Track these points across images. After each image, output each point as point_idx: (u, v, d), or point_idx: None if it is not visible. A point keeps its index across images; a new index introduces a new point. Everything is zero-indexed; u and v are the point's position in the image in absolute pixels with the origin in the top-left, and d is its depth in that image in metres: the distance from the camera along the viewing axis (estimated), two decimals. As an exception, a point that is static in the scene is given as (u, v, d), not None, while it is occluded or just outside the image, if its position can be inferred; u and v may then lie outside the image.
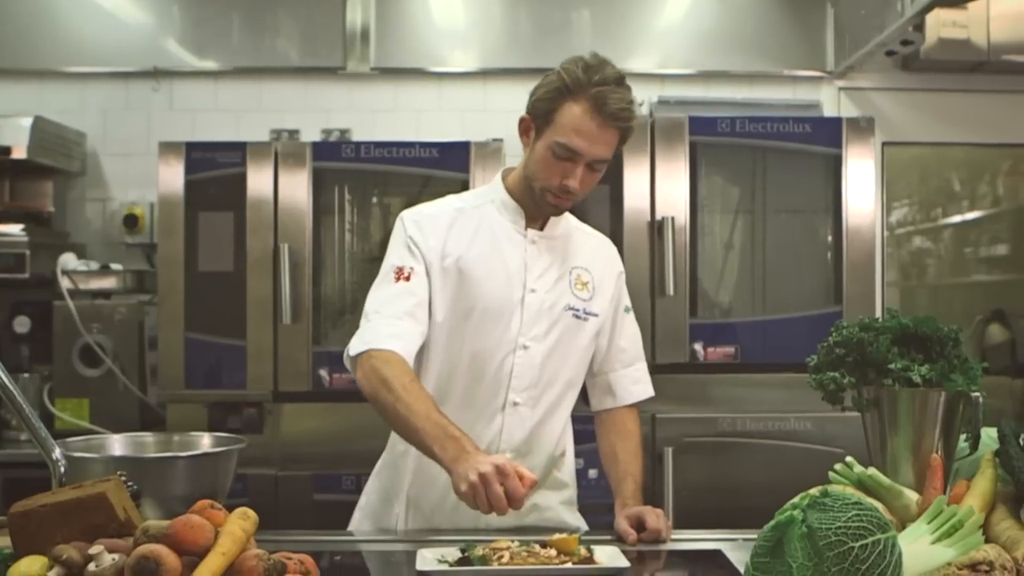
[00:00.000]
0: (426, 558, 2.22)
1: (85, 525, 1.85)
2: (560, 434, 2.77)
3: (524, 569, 2.17)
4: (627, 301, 2.87)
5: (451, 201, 2.77)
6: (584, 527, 2.79)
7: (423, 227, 2.67)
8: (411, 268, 2.62)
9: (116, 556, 1.72)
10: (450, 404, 2.62)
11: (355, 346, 2.56)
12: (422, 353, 2.65)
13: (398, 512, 2.73)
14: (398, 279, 2.61)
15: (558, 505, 2.78)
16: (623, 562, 2.21)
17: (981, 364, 2.25)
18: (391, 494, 2.77)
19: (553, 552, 2.25)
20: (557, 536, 2.28)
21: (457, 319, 2.63)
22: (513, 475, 2.20)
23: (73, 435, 2.44)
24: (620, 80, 2.53)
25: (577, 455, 2.88)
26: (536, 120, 2.59)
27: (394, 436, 2.77)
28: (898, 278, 5.71)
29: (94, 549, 1.72)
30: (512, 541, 2.30)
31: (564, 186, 2.55)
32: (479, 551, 2.24)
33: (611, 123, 2.51)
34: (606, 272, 2.81)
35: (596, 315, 2.74)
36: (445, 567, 2.19)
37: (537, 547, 2.27)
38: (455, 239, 2.66)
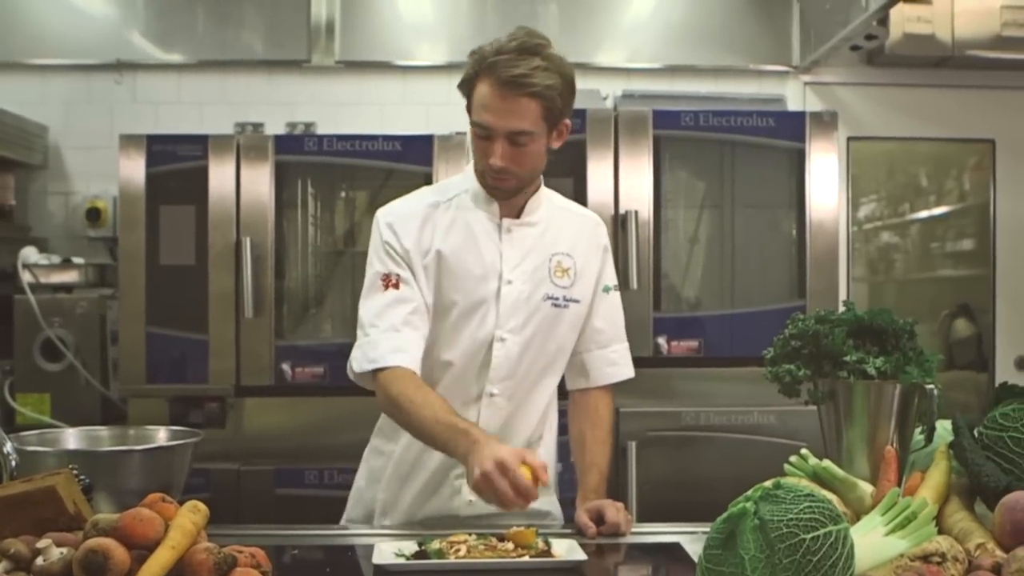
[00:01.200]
0: (383, 551, 2.21)
1: (34, 518, 1.83)
2: (538, 421, 2.74)
3: (480, 563, 2.17)
4: (610, 280, 2.81)
5: (425, 195, 2.73)
6: (556, 511, 2.78)
7: (396, 229, 2.64)
8: (397, 275, 2.60)
9: (64, 550, 1.70)
10: None
11: (359, 362, 2.56)
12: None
13: (375, 496, 2.73)
14: (387, 287, 2.59)
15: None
16: (580, 555, 2.21)
17: (937, 357, 2.26)
18: (372, 480, 2.77)
19: (510, 545, 2.24)
20: (514, 529, 2.27)
21: (436, 314, 2.62)
22: (515, 469, 2.22)
23: (34, 430, 2.43)
24: (525, 49, 2.48)
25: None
26: (467, 108, 2.59)
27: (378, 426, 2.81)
28: (866, 273, 5.74)
29: (42, 543, 1.70)
30: (469, 534, 2.29)
31: (490, 165, 2.53)
32: (436, 544, 2.23)
33: (512, 92, 2.46)
34: (591, 252, 2.76)
35: (578, 301, 2.70)
36: (402, 561, 2.18)
37: (494, 540, 2.26)
38: (429, 236, 2.63)
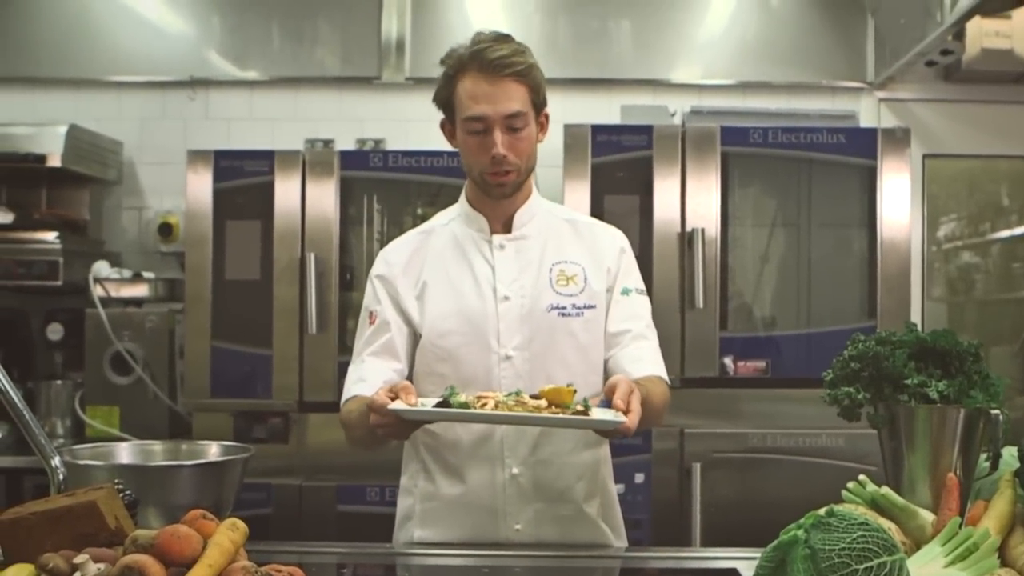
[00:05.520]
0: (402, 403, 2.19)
1: (75, 533, 1.82)
2: (576, 444, 2.59)
3: (496, 415, 2.12)
4: (632, 283, 2.68)
5: (424, 226, 2.76)
6: (613, 540, 2.65)
7: (389, 260, 2.68)
8: (377, 308, 2.64)
9: (102, 565, 1.69)
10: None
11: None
12: (413, 378, 2.62)
13: (411, 535, 2.66)
14: (371, 321, 2.66)
15: (596, 517, 2.64)
16: (620, 417, 2.11)
17: (1004, 380, 2.17)
18: (404, 518, 2.71)
19: (543, 403, 2.16)
20: (549, 387, 2.21)
21: (435, 338, 2.58)
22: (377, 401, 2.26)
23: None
24: (499, 37, 2.54)
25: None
26: (447, 115, 2.59)
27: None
28: (945, 293, 5.61)
29: (79, 558, 1.69)
30: (500, 393, 2.25)
31: (493, 157, 2.50)
32: (461, 397, 2.18)
33: (500, 74, 2.47)
34: (602, 257, 2.66)
35: (593, 306, 2.60)
36: (416, 408, 2.17)
37: (527, 397, 2.19)
38: (420, 264, 2.64)
